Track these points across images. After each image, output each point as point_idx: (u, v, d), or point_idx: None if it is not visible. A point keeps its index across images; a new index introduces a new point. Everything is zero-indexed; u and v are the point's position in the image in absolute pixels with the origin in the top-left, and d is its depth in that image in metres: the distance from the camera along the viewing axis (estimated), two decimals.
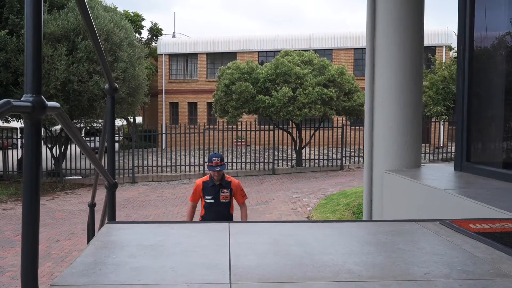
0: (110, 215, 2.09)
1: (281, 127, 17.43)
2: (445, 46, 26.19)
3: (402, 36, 3.76)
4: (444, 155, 18.79)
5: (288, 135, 17.60)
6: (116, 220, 2.04)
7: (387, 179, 3.65)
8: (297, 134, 17.58)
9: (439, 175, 3.37)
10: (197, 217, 5.50)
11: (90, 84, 14.72)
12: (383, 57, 3.84)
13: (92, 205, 3.34)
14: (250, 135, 18.20)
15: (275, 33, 28.30)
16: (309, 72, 16.12)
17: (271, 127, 17.30)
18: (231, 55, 30.37)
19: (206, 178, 5.23)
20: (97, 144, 19.20)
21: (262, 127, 19.02)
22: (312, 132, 17.46)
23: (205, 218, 5.17)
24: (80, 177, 16.96)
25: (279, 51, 23.03)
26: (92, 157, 1.67)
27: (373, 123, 3.96)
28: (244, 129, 17.50)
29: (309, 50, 23.37)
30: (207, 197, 5.13)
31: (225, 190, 5.17)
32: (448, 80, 18.64)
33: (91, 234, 3.46)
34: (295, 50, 18.50)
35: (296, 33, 30.06)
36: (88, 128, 19.79)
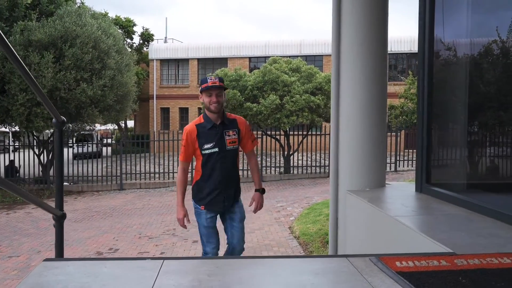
0: (58, 250, 2.11)
1: (269, 134, 17.46)
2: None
3: (366, 59, 3.81)
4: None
5: (276, 141, 17.65)
6: (61, 257, 2.07)
7: (350, 200, 3.70)
8: (286, 140, 17.64)
9: (398, 197, 3.43)
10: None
11: (77, 91, 14.71)
12: (348, 78, 3.89)
13: (60, 217, 2.58)
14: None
15: (266, 39, 28.40)
16: (297, 80, 16.20)
17: (259, 133, 17.35)
18: (223, 61, 30.48)
19: (199, 120, 3.73)
20: (88, 149, 19.22)
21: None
22: (300, 139, 17.53)
23: (205, 184, 3.72)
24: (68, 183, 16.91)
25: (270, 56, 23.12)
26: (23, 193, 1.70)
27: (338, 142, 4.01)
28: None
29: (300, 56, 23.46)
30: (206, 145, 3.64)
31: (230, 132, 3.72)
32: None
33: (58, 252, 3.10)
34: (284, 57, 18.58)
35: (287, 39, 30.21)
36: (76, 135, 19.76)
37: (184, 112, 31.63)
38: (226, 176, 3.75)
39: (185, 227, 3.84)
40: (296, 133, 17.72)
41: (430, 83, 3.61)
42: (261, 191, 3.99)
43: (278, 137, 17.43)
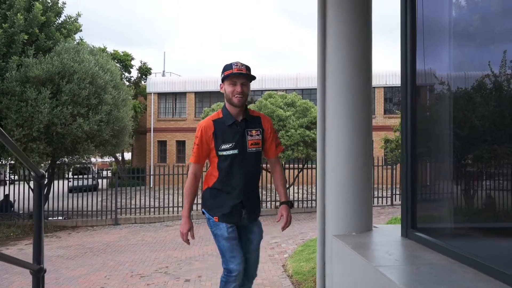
0: None
1: (264, 168, 17.47)
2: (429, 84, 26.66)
3: (351, 100, 3.86)
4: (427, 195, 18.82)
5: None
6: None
7: (336, 245, 3.69)
8: None
9: (383, 243, 3.42)
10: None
11: (73, 126, 14.80)
12: (333, 122, 3.93)
13: (37, 272, 2.26)
14: None
15: (262, 73, 28.76)
16: (292, 114, 16.35)
17: None
18: (220, 94, 30.65)
19: (216, 114, 3.19)
20: (84, 183, 19.15)
21: None
22: (296, 172, 17.52)
23: (222, 190, 3.16)
24: (62, 218, 16.79)
25: (267, 90, 23.32)
26: None
27: (325, 185, 4.02)
28: None
29: (296, 90, 23.72)
30: (224, 146, 3.07)
31: (253, 131, 3.14)
32: None
33: None
34: (280, 91, 18.81)
35: (283, 72, 30.59)
36: (72, 169, 19.75)
37: (181, 145, 31.71)
38: (248, 184, 3.16)
39: (188, 242, 3.31)
40: (292, 166, 17.73)
41: (413, 119, 3.62)
42: (289, 204, 3.40)
43: None
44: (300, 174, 17.51)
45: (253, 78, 3.19)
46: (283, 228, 3.41)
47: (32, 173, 2.16)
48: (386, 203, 17.19)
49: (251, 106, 17.49)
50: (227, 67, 3.12)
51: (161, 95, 32.25)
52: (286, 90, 26.78)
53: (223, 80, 3.16)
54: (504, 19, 2.94)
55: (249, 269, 3.35)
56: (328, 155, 3.96)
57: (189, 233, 3.28)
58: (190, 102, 31.68)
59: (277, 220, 3.42)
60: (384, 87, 27.93)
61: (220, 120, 3.15)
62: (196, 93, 31.68)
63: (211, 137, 3.12)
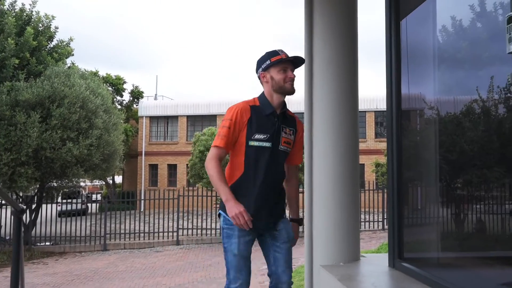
0: None
1: None
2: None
3: (337, 131, 3.87)
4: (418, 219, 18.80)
5: None
6: None
7: (323, 275, 3.65)
8: None
9: (369, 274, 3.39)
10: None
11: (63, 151, 14.71)
12: (320, 151, 3.92)
13: None
14: None
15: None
16: None
17: None
18: (212, 118, 30.84)
19: (252, 101, 2.86)
20: (74, 207, 18.95)
21: None
22: None
23: (248, 187, 2.77)
24: (50, 244, 16.52)
25: None
26: None
27: (312, 213, 4.00)
28: (217, 195, 17.42)
29: None
30: (257, 135, 2.74)
31: (288, 129, 2.86)
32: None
33: None
34: None
35: None
36: (61, 193, 19.54)
37: (172, 168, 31.60)
38: (275, 185, 2.84)
39: (250, 223, 2.67)
40: None
41: (399, 143, 3.62)
42: (299, 222, 3.08)
43: None
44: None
45: (303, 62, 2.92)
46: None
47: (11, 208, 2.13)
48: (378, 227, 17.13)
49: None
50: (273, 54, 2.82)
51: (153, 119, 32.26)
52: None
53: (267, 68, 2.83)
54: (488, 45, 2.98)
55: (279, 273, 2.92)
56: (315, 183, 3.95)
57: (245, 211, 2.68)
58: (182, 126, 31.70)
59: None
60: (375, 111, 28.16)
61: (257, 108, 2.79)
62: (188, 116, 31.74)
63: (246, 123, 2.74)
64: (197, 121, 31.56)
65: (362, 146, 25.46)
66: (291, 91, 2.85)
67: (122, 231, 17.02)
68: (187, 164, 28.18)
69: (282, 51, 2.85)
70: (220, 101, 31.31)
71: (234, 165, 2.81)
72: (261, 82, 2.93)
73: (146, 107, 32.28)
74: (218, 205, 18.37)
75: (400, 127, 3.66)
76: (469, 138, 3.26)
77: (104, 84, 23.41)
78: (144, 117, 31.92)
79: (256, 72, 2.93)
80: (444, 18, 3.38)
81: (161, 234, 17.08)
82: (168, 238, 16.90)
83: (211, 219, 17.56)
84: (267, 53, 2.88)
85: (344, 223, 3.77)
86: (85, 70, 18.07)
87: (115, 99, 30.85)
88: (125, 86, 32.69)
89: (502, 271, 2.74)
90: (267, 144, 2.77)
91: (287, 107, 2.96)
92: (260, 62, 2.89)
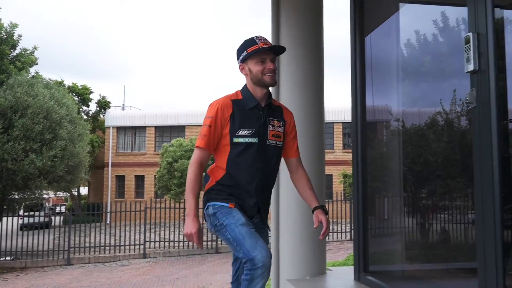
0: None
1: None
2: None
3: (303, 150, 3.87)
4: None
5: None
6: None
7: None
8: None
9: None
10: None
11: (25, 162, 14.26)
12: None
13: None
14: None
15: None
16: None
17: None
18: (180, 129, 30.57)
19: (235, 95, 2.66)
20: (36, 220, 18.32)
21: None
22: None
23: (233, 184, 2.55)
24: (10, 258, 15.91)
25: None
26: None
27: (279, 227, 3.97)
28: (184, 207, 17.18)
29: None
30: (242, 131, 2.54)
31: (275, 121, 2.65)
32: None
33: None
34: None
35: None
36: (23, 205, 18.92)
37: (140, 180, 31.09)
38: (264, 184, 2.59)
39: (200, 245, 2.51)
40: None
41: (364, 155, 3.64)
42: (324, 208, 2.72)
43: None
44: None
45: (283, 50, 2.69)
46: (323, 235, 2.69)
47: None
48: (346, 237, 17.25)
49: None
50: (250, 43, 2.57)
51: (120, 129, 31.73)
52: None
53: (245, 59, 2.60)
54: (450, 59, 3.03)
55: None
56: (282, 195, 3.93)
57: (199, 232, 2.49)
58: (150, 137, 31.29)
59: (315, 226, 2.67)
60: (342, 122, 28.52)
61: (240, 102, 2.58)
62: (156, 127, 31.37)
63: (228, 119, 2.53)
64: (166, 131, 31.23)
65: (330, 157, 25.73)
66: (271, 84, 2.58)
67: (87, 245, 16.56)
68: (154, 176, 27.77)
69: (260, 38, 2.59)
70: (189, 111, 31.11)
71: (217, 165, 2.58)
72: (242, 74, 2.69)
73: (113, 117, 31.73)
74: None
75: (365, 138, 3.68)
76: (433, 150, 3.30)
77: (70, 94, 22.94)
78: (111, 128, 31.35)
79: (238, 63, 2.70)
80: (407, 33, 3.43)
81: (127, 247, 16.70)
82: (134, 251, 16.55)
83: (178, 231, 17.32)
84: (244, 42, 2.63)
85: (310, 237, 3.75)
86: (50, 80, 17.66)
87: (81, 109, 30.22)
88: (91, 96, 32.07)
89: (465, 282, 2.76)
90: (253, 140, 2.52)
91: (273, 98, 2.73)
92: (238, 53, 2.65)
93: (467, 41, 2.36)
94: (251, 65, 2.58)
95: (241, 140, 2.52)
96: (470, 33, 2.34)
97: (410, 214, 3.46)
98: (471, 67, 2.33)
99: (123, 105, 35.61)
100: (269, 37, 4.17)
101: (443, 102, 3.07)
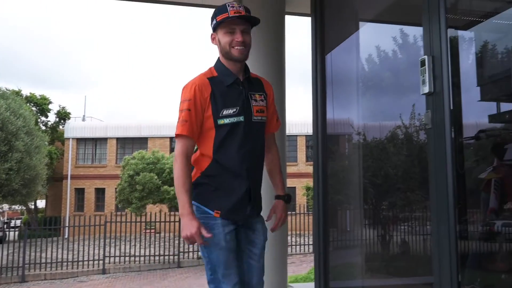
0: None
1: None
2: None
3: None
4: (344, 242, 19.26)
5: None
6: None
7: None
8: None
9: None
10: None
11: None
12: None
13: None
14: (160, 224, 17.57)
15: None
16: None
17: (177, 217, 16.90)
18: (143, 140, 30.09)
19: (209, 72, 2.38)
20: None
21: (170, 215, 18.48)
22: None
23: (222, 175, 2.31)
24: None
25: None
26: None
27: None
28: (146, 221, 16.89)
29: None
30: (226, 111, 2.28)
31: (257, 95, 2.40)
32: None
33: None
34: None
35: None
36: None
37: (100, 193, 30.33)
38: (255, 166, 2.36)
39: (205, 242, 2.23)
40: None
41: (325, 168, 3.65)
42: (286, 198, 2.56)
43: None
44: None
45: (256, 21, 2.37)
46: (274, 229, 2.51)
47: None
48: (309, 250, 17.30)
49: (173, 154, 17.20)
50: (220, 11, 2.28)
51: (80, 141, 30.95)
52: None
53: (215, 28, 2.34)
54: (408, 74, 3.09)
55: (251, 281, 2.41)
56: None
57: (201, 230, 2.20)
58: (112, 148, 30.65)
59: (267, 218, 2.51)
60: (305, 135, 28.79)
61: (216, 79, 2.31)
62: (118, 138, 30.77)
63: (208, 99, 2.25)
64: (128, 143, 30.67)
65: (293, 169, 25.89)
66: (239, 59, 2.30)
67: (43, 260, 15.94)
68: (116, 188, 27.11)
69: (233, 5, 2.28)
70: (152, 123, 30.72)
71: (202, 153, 2.32)
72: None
73: (73, 129, 30.94)
74: (149, 230, 17.45)
75: (326, 151, 3.71)
76: (393, 163, 3.35)
77: (28, 104, 22.23)
78: (70, 139, 30.53)
79: None
80: (367, 50, 3.50)
81: (85, 262, 16.18)
82: (93, 267, 16.04)
83: (139, 245, 16.95)
84: (216, 9, 2.34)
85: (271, 252, 3.72)
86: (6, 89, 17.04)
87: (39, 120, 29.32)
88: (50, 106, 31.18)
89: None
90: (239, 119, 2.27)
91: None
92: (210, 21, 2.36)
93: (422, 63, 2.42)
94: (220, 35, 2.32)
95: (226, 120, 2.26)
96: (426, 56, 2.39)
97: (370, 227, 3.48)
98: (426, 89, 2.38)
99: (84, 116, 34.82)
100: None
101: (402, 116, 3.13)
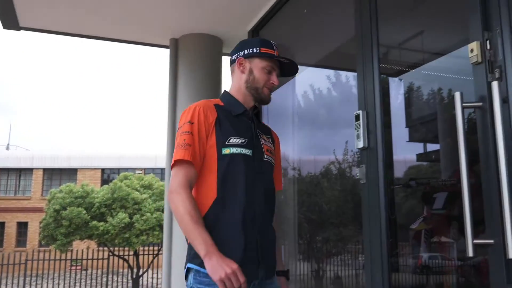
0: None
1: (117, 254, 16.37)
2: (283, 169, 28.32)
3: None
4: None
5: (125, 262, 16.53)
6: None
7: None
8: (135, 261, 16.62)
9: None
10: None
11: None
12: None
13: None
14: (87, 261, 16.66)
15: (120, 152, 27.90)
16: (149, 197, 15.91)
17: (105, 254, 16.17)
18: (72, 172, 28.79)
19: (216, 100, 2.06)
20: None
21: (98, 251, 17.59)
22: (151, 258, 16.70)
23: (226, 217, 1.84)
24: None
25: (126, 169, 22.52)
26: None
27: (171, 271, 3.79)
28: (72, 258, 16.00)
29: (155, 169, 23.32)
30: (233, 139, 1.91)
31: (265, 137, 2.08)
32: None
33: None
34: (139, 169, 18.33)
35: (143, 152, 29.97)
36: None
37: (22, 227, 28.43)
38: (267, 210, 1.96)
39: (245, 284, 1.68)
40: (146, 252, 16.85)
41: None
42: (287, 274, 2.17)
43: (127, 257, 16.37)
44: (155, 259, 16.72)
45: (294, 72, 2.18)
46: None
47: None
48: None
49: (104, 187, 16.57)
50: (267, 44, 2.05)
51: (2, 171, 29.11)
52: (145, 169, 26.23)
53: (251, 55, 2.04)
54: (341, 111, 3.18)
55: None
56: (175, 241, 3.80)
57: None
58: (37, 180, 29.04)
59: None
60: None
61: (224, 107, 2.00)
62: (44, 169, 29.24)
63: (213, 125, 1.91)
64: (55, 174, 29.21)
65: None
66: (266, 99, 2.06)
67: None
68: (40, 222, 25.41)
69: (277, 47, 2.10)
70: (81, 154, 29.56)
71: (200, 190, 1.89)
72: (232, 70, 2.11)
73: None
74: (75, 266, 16.44)
75: None
76: (327, 198, 3.41)
77: None
78: None
79: (232, 55, 2.11)
80: (303, 88, 3.61)
81: None
82: None
83: (64, 284, 15.95)
84: (260, 39, 2.19)
85: None
86: None
87: None
88: None
89: None
90: (247, 152, 1.91)
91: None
92: (244, 45, 2.09)
93: (357, 118, 2.43)
94: (256, 68, 2.04)
95: (233, 150, 1.89)
96: (360, 111, 2.42)
97: (305, 261, 3.48)
98: (360, 144, 2.39)
99: (8, 144, 32.95)
100: (166, 87, 4.23)
101: (336, 152, 3.21)
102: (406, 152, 2.82)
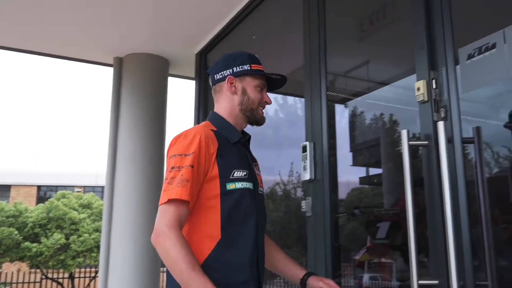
0: None
1: (50, 277, 15.54)
2: None
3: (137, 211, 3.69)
4: None
5: (59, 285, 15.70)
6: None
7: None
8: (71, 284, 15.82)
9: None
10: None
11: None
12: (119, 224, 3.67)
13: None
14: (17, 284, 15.63)
15: (59, 169, 26.77)
16: (87, 217, 15.27)
17: (38, 276, 15.30)
18: (5, 189, 27.17)
19: (209, 125, 1.81)
20: None
21: (30, 273, 16.60)
22: (87, 281, 15.95)
23: (232, 262, 1.62)
24: None
25: (65, 186, 21.53)
26: None
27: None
28: (1, 281, 14.98)
29: (96, 187, 22.51)
30: (237, 173, 1.68)
31: (256, 165, 1.91)
32: None
33: None
34: (78, 187, 17.64)
35: (83, 169, 28.91)
36: None
37: None
38: (262, 249, 1.78)
39: None
40: (83, 275, 16.10)
41: None
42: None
43: (61, 280, 15.55)
44: (92, 282, 16.00)
45: (279, 86, 1.96)
46: None
47: None
48: None
49: (39, 206, 15.72)
50: (253, 59, 1.85)
51: None
52: (85, 186, 25.26)
53: (242, 74, 1.83)
54: (287, 132, 3.20)
55: None
56: (112, 263, 3.65)
57: None
58: None
59: None
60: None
61: (220, 134, 1.76)
62: None
63: (214, 157, 1.66)
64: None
65: None
66: (261, 120, 1.88)
67: None
68: None
69: (260, 61, 1.89)
70: (16, 170, 28.06)
71: (197, 230, 1.65)
72: (217, 90, 1.88)
73: None
74: None
75: None
76: (272, 219, 3.39)
77: None
78: None
79: (216, 72, 1.87)
80: None
81: None
82: None
83: None
84: (247, 54, 1.87)
85: None
86: None
87: None
88: None
89: None
90: (249, 186, 1.71)
91: None
92: (233, 62, 1.84)
93: (304, 149, 2.41)
94: (249, 87, 1.83)
95: (239, 185, 1.67)
96: (307, 142, 2.39)
97: None
98: (307, 176, 2.35)
99: None
100: (108, 114, 4.16)
101: (281, 174, 3.21)
102: (349, 175, 2.86)
